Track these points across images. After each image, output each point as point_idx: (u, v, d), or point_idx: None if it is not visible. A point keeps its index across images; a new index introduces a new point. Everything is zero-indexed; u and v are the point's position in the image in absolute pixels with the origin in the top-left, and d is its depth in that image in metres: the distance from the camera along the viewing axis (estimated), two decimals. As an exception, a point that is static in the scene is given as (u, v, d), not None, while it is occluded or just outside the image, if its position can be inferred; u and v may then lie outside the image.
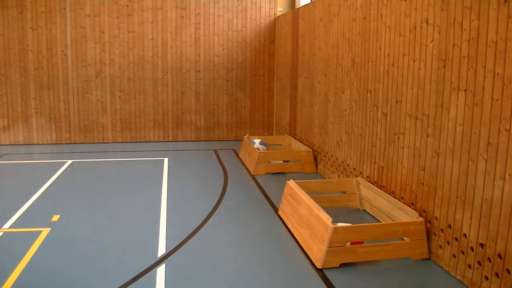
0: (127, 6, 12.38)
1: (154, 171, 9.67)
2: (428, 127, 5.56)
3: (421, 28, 5.69)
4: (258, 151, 9.49)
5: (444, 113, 5.23)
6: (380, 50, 6.77)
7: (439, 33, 5.30)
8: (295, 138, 11.04)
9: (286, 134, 11.62)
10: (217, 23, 12.77)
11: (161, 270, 5.19)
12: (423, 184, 5.68)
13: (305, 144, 10.16)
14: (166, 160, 10.59)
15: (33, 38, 12.22)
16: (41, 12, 12.14)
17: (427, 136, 5.57)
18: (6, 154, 11.41)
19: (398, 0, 6.23)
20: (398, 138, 6.27)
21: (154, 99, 12.81)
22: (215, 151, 11.73)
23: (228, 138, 13.28)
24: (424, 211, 5.64)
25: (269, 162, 9.46)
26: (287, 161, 9.66)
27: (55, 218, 6.82)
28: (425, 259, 5.47)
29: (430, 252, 5.50)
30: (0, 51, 12.17)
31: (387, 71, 6.55)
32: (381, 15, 6.74)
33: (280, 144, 11.22)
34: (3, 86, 12.30)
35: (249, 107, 13.21)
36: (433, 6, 5.41)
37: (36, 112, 12.48)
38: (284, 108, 12.16)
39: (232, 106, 13.17)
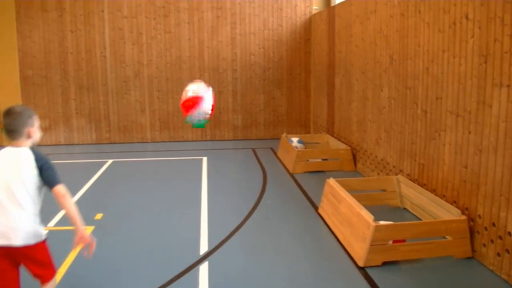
0: (163, 7, 12.51)
1: (193, 170, 9.72)
2: (470, 123, 5.45)
3: (460, 23, 5.58)
4: (297, 149, 9.48)
5: (487, 110, 5.12)
6: (419, 46, 6.68)
7: (480, 28, 5.20)
8: (333, 136, 10.98)
9: (324, 132, 11.59)
10: (253, 22, 12.80)
11: (203, 268, 5.22)
12: (465, 181, 5.58)
13: (343, 142, 10.10)
14: (204, 159, 10.65)
15: (72, 41, 12.46)
16: (80, 15, 12.37)
17: (469, 133, 5.46)
18: (48, 154, 11.31)
19: None
20: (439, 135, 6.17)
21: (192, 99, 12.86)
22: (253, 150, 11.76)
23: (265, 137, 13.30)
24: (466, 209, 5.54)
25: (308, 160, 9.44)
26: (326, 159, 9.62)
27: (98, 216, 6.91)
28: (468, 257, 5.36)
29: (473, 250, 5.39)
30: (41, 53, 12.45)
31: (427, 68, 6.46)
32: (419, 11, 6.64)
33: (318, 143, 11.17)
34: (44, 88, 12.58)
35: (286, 106, 13.21)
36: (473, 1, 5.32)
37: (77, 113, 12.72)
38: (321, 106, 12.11)
39: (269, 105, 13.19)
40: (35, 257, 3.77)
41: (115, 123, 12.86)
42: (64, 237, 6.09)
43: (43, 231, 3.80)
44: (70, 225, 6.22)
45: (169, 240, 6.06)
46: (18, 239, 3.61)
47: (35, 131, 3.84)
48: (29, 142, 3.80)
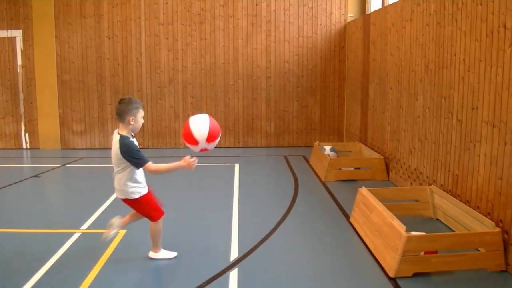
0: (199, 14, 12.62)
1: (225, 176, 9.75)
2: (506, 134, 5.34)
3: (498, 32, 5.47)
4: (329, 157, 9.43)
5: None
6: (455, 55, 6.58)
7: None
8: (366, 145, 10.90)
9: (357, 141, 11.50)
10: (288, 30, 12.82)
11: (233, 275, 5.21)
12: (500, 193, 5.45)
13: (376, 151, 10.01)
14: (237, 165, 10.68)
15: (109, 46, 12.68)
16: (117, 21, 12.58)
17: (505, 144, 5.35)
18: (83, 158, 11.85)
19: (474, 5, 6.04)
20: (474, 146, 6.06)
21: (225, 105, 12.97)
22: (285, 157, 11.73)
23: (298, 145, 13.27)
24: (501, 221, 5.41)
25: (340, 169, 9.36)
26: (358, 168, 9.54)
27: None
28: (502, 271, 5.22)
29: (507, 264, 5.25)
30: (79, 59, 12.69)
31: (462, 77, 6.36)
32: (456, 20, 6.55)
33: (351, 151, 11.10)
34: (81, 92, 12.82)
35: (319, 114, 13.16)
36: (511, 10, 5.21)
37: (112, 118, 12.92)
38: (354, 115, 12.04)
39: (302, 113, 13.17)
40: (133, 207, 5.34)
41: (149, 128, 13.00)
42: (97, 239, 6.20)
43: (133, 193, 5.12)
44: (103, 228, 6.39)
45: (199, 246, 6.06)
46: (117, 194, 5.27)
47: (136, 121, 4.92)
48: (128, 128, 4.94)
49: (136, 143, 5.04)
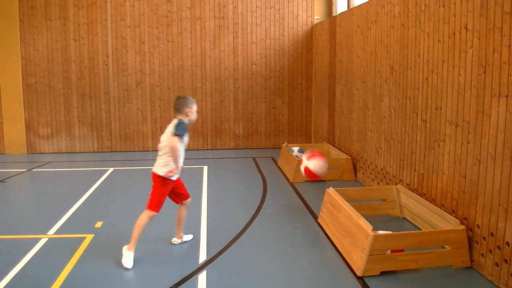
0: (166, 16, 12.56)
1: (193, 178, 9.65)
2: (468, 133, 5.45)
3: (460, 34, 5.59)
4: (297, 158, 9.43)
5: (485, 120, 5.12)
6: (419, 56, 6.69)
7: (479, 38, 5.21)
8: (333, 145, 10.98)
9: (325, 142, 11.58)
10: (255, 32, 12.85)
11: (202, 277, 5.21)
12: (464, 191, 5.56)
13: (343, 152, 10.09)
14: (205, 168, 10.64)
15: (75, 49, 12.53)
16: (83, 24, 12.44)
17: (468, 143, 5.46)
18: (49, 162, 11.65)
19: (436, 7, 6.15)
20: (438, 145, 6.17)
21: (193, 108, 12.88)
22: (253, 159, 11.75)
23: (266, 146, 13.30)
24: (465, 219, 5.52)
25: (308, 169, 9.39)
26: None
27: (98, 224, 6.91)
28: (467, 267, 5.34)
29: (472, 260, 5.37)
30: (44, 62, 12.51)
31: (426, 78, 6.47)
32: (419, 22, 6.66)
33: (319, 152, 11.11)
34: (47, 96, 12.64)
35: (287, 115, 13.22)
36: (472, 12, 5.33)
37: (79, 121, 12.76)
38: (322, 116, 12.13)
39: (270, 114, 13.21)
40: (153, 184, 5.85)
41: (116, 132, 12.89)
42: (64, 244, 6.18)
43: (163, 171, 5.67)
44: (70, 233, 6.29)
45: (168, 249, 6.04)
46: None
47: (192, 113, 5.75)
48: (186, 119, 5.69)
49: (186, 129, 5.74)
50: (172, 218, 6.41)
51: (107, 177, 9.96)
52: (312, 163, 7.50)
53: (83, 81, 12.63)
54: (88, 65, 12.60)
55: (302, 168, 7.65)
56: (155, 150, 12.47)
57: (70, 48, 12.53)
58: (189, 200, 6.21)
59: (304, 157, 7.67)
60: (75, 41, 12.51)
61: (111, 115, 12.80)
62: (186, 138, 5.76)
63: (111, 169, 10.62)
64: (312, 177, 7.65)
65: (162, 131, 12.62)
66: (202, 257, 5.75)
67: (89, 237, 6.37)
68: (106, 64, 12.63)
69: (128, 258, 5.53)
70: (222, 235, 6.48)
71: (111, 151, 12.92)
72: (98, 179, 9.72)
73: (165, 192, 5.80)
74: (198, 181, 7.43)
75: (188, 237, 6.34)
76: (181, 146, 5.67)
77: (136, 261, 5.60)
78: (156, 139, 12.90)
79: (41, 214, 7.72)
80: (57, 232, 6.63)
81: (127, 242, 6.16)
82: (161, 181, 5.70)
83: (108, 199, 8.42)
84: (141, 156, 12.35)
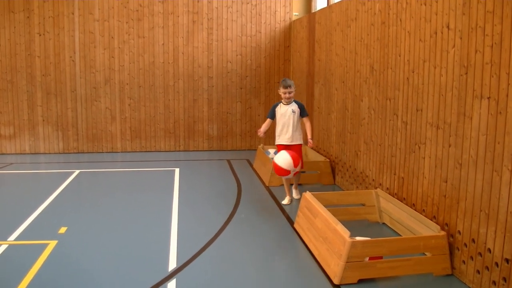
0: (137, 10, 12.08)
1: (164, 181, 9.40)
2: (450, 136, 5.32)
3: (442, 33, 5.45)
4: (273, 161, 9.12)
5: (467, 122, 5.00)
6: (399, 56, 6.51)
7: (461, 38, 5.07)
8: (311, 147, 10.64)
9: (302, 144, 11.20)
10: (230, 28, 12.43)
11: (171, 286, 5.01)
12: (445, 196, 5.45)
13: (322, 154, 9.85)
14: (177, 170, 10.29)
15: (40, 44, 11.95)
16: (49, 17, 11.88)
17: (449, 146, 5.33)
18: (11, 164, 11.19)
19: (418, 4, 5.99)
20: (419, 148, 6.03)
21: (165, 107, 12.47)
22: (228, 161, 11.42)
23: (241, 148, 12.95)
24: (446, 224, 5.42)
25: (285, 173, 9.08)
26: (303, 172, 9.26)
27: (62, 230, 6.64)
28: (448, 275, 5.25)
29: (453, 267, 5.27)
30: (7, 57, 11.92)
31: (407, 78, 6.30)
32: (400, 20, 6.48)
33: (296, 154, 10.82)
34: (9, 93, 12.04)
35: (264, 116, 12.81)
36: (454, 10, 5.18)
37: (43, 120, 12.20)
38: (299, 116, 11.78)
39: (246, 115, 12.81)
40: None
41: (83, 132, 12.35)
42: (25, 251, 5.91)
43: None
44: (32, 239, 6.12)
45: (136, 256, 5.81)
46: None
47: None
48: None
49: (278, 109, 7.89)
50: (140, 223, 6.11)
51: (72, 179, 9.59)
52: (278, 157, 7.50)
53: (48, 77, 12.05)
54: (54, 61, 12.02)
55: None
56: (125, 151, 12.17)
57: (35, 43, 11.94)
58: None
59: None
60: (40, 35, 11.93)
61: (77, 114, 12.25)
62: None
63: (77, 171, 10.22)
64: (280, 172, 7.52)
65: (132, 131, 12.36)
66: (172, 264, 5.54)
67: (53, 243, 6.13)
68: (73, 60, 12.08)
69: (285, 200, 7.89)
70: (193, 241, 6.27)
71: (78, 152, 12.42)
72: (63, 182, 9.35)
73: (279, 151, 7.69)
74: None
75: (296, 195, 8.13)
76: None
77: (102, 269, 5.41)
78: (125, 139, 12.41)
79: (1, 219, 7.35)
80: (18, 238, 6.37)
81: (92, 248, 6.10)
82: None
83: (74, 203, 8.12)
84: (109, 158, 11.90)
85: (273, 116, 7.89)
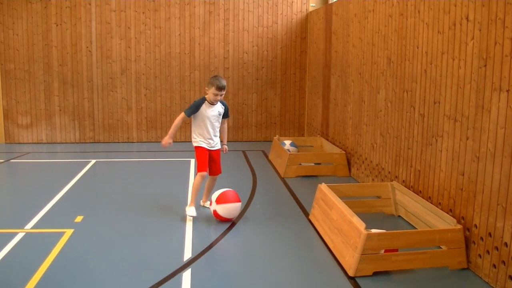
0: (153, 1, 12.07)
1: (180, 172, 9.39)
2: (467, 129, 5.25)
3: (460, 25, 5.36)
4: (289, 152, 9.11)
5: (485, 115, 4.92)
6: (417, 47, 6.43)
7: (480, 30, 4.98)
8: (327, 139, 10.64)
9: (318, 135, 11.21)
10: (247, 19, 12.37)
11: (187, 275, 4.98)
12: (462, 189, 5.38)
13: (337, 146, 9.77)
14: (192, 161, 10.25)
15: (57, 34, 12.00)
16: (66, 7, 11.90)
17: (467, 139, 5.26)
18: (28, 153, 11.26)
19: None
20: (436, 140, 5.96)
21: (181, 98, 12.46)
22: (243, 152, 11.40)
23: (257, 139, 12.92)
24: (462, 218, 5.35)
25: (300, 164, 9.07)
26: (319, 164, 9.24)
27: (79, 219, 6.64)
28: (463, 269, 5.17)
29: (468, 261, 5.21)
30: (24, 47, 11.98)
31: (425, 70, 6.22)
32: (418, 11, 6.39)
33: (312, 146, 10.83)
34: (26, 83, 12.11)
35: (279, 107, 12.78)
36: (474, 2, 5.09)
37: (60, 110, 12.26)
38: (316, 108, 11.74)
39: (261, 106, 12.76)
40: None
41: (99, 122, 12.39)
42: (42, 240, 5.92)
43: (195, 143, 6.77)
44: (49, 227, 6.14)
45: (152, 246, 5.80)
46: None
47: (209, 93, 6.53)
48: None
49: (204, 108, 6.58)
50: (155, 213, 6.06)
51: (89, 169, 9.61)
52: (221, 207, 6.51)
53: (65, 68, 12.10)
54: (71, 51, 12.07)
55: (211, 210, 6.66)
56: (140, 141, 12.19)
57: (52, 33, 11.98)
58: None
59: (214, 200, 6.62)
60: (57, 25, 11.96)
61: (94, 104, 12.29)
62: (211, 114, 6.64)
63: (93, 161, 10.25)
64: (222, 220, 6.66)
65: (147, 121, 12.37)
66: (187, 254, 5.50)
67: (69, 232, 6.12)
68: (90, 50, 12.11)
69: (191, 210, 6.45)
70: (208, 231, 6.27)
71: (94, 142, 12.48)
72: (80, 171, 9.36)
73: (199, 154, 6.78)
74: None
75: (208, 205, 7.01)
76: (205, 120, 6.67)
77: (117, 258, 5.41)
78: (141, 129, 12.44)
79: (18, 207, 7.38)
80: (34, 227, 6.37)
81: (108, 237, 6.09)
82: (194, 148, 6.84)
83: (90, 192, 8.13)
84: (125, 148, 11.95)
85: (193, 114, 6.69)
